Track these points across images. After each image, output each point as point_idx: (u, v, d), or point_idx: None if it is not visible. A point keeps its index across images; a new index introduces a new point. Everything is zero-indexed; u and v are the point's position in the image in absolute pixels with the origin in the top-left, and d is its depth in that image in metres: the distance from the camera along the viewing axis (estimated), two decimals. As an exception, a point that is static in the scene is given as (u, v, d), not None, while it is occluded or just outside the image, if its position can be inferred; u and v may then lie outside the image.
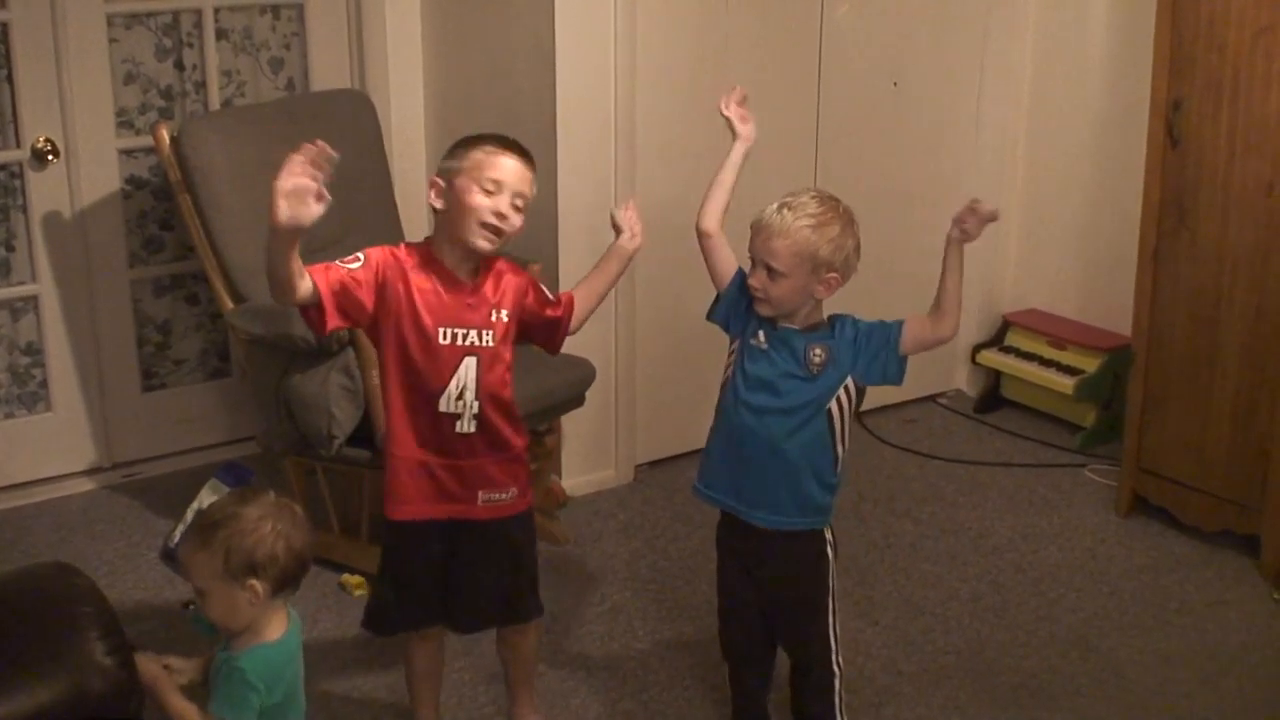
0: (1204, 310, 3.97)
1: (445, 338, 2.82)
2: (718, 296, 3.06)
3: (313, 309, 2.74)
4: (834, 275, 2.83)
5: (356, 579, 3.81)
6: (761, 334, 2.90)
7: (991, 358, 5.06)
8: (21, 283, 4.33)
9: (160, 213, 4.46)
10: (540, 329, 3.04)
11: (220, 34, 4.41)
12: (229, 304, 3.96)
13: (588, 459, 4.42)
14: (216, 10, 4.38)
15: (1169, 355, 4.09)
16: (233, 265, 3.95)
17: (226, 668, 2.47)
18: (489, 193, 2.79)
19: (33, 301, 4.35)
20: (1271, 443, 3.86)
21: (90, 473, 4.51)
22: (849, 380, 2.88)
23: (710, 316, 3.07)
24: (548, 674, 3.48)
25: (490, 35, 4.35)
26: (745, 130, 3.17)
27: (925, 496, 4.40)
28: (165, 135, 3.96)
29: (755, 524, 2.93)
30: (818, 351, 2.85)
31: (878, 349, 2.89)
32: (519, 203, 2.81)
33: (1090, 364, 4.78)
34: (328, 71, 4.55)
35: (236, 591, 2.43)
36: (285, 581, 2.49)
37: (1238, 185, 3.83)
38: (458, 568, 2.97)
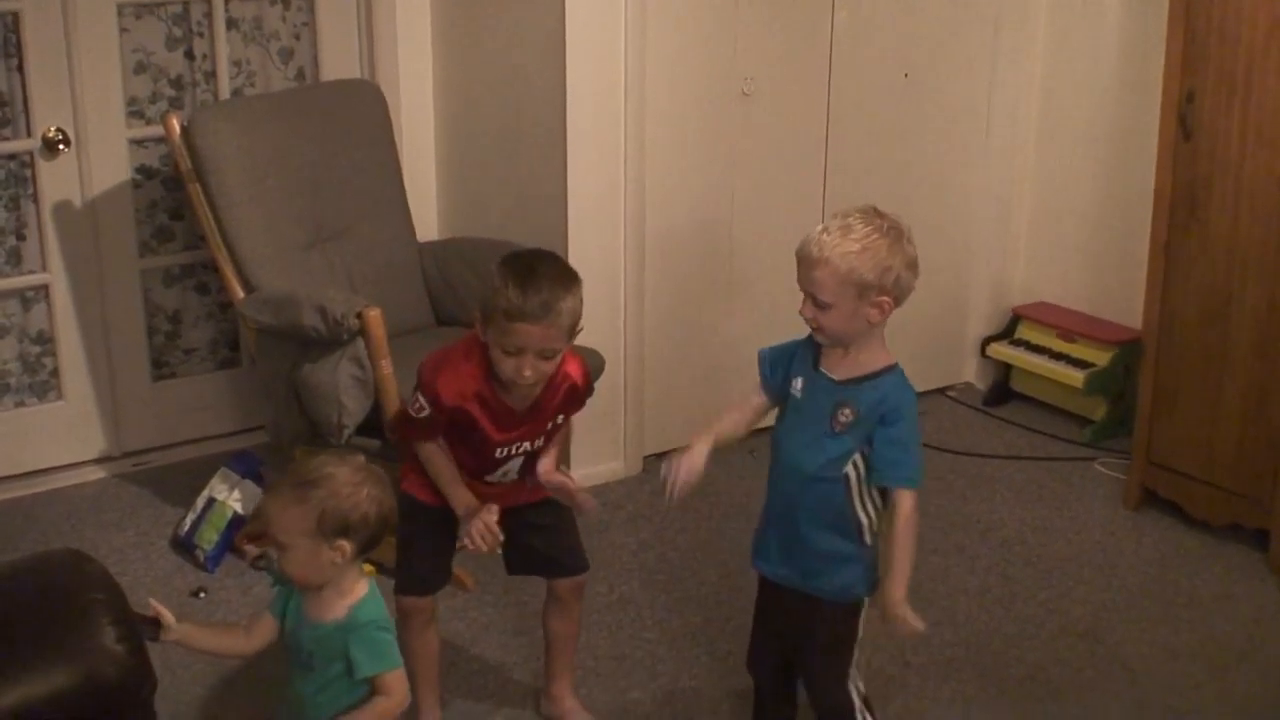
0: (1215, 304, 3.96)
1: (501, 452, 2.93)
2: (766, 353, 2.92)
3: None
4: (885, 299, 2.66)
5: (368, 566, 3.81)
6: (799, 380, 2.79)
7: (1001, 351, 5.06)
8: (32, 272, 4.33)
9: (170, 202, 4.47)
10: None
11: (230, 24, 4.41)
12: (239, 293, 3.97)
13: (596, 450, 4.42)
14: (227, 0, 4.38)
15: (1179, 349, 4.09)
16: (243, 254, 3.95)
17: (348, 632, 2.51)
18: (511, 355, 2.77)
19: (43, 291, 4.36)
20: (1281, 436, 3.87)
21: (101, 461, 4.52)
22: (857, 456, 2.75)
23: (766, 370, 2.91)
24: (557, 664, 3.49)
25: (500, 25, 4.35)
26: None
27: (933, 489, 4.39)
28: (175, 125, 3.97)
29: (784, 585, 2.87)
30: (846, 412, 2.72)
31: (878, 460, 2.73)
32: (547, 354, 2.78)
33: (1101, 357, 4.77)
34: (337, 61, 4.55)
35: (324, 550, 2.47)
36: (370, 544, 2.54)
37: (1249, 178, 3.82)
38: (528, 542, 3.09)
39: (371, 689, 2.53)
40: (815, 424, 2.75)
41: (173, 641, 2.56)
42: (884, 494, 2.76)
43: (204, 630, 2.66)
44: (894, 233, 2.67)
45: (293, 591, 2.60)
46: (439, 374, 2.87)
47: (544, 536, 3.11)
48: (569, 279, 2.82)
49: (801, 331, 2.81)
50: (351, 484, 2.48)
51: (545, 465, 2.99)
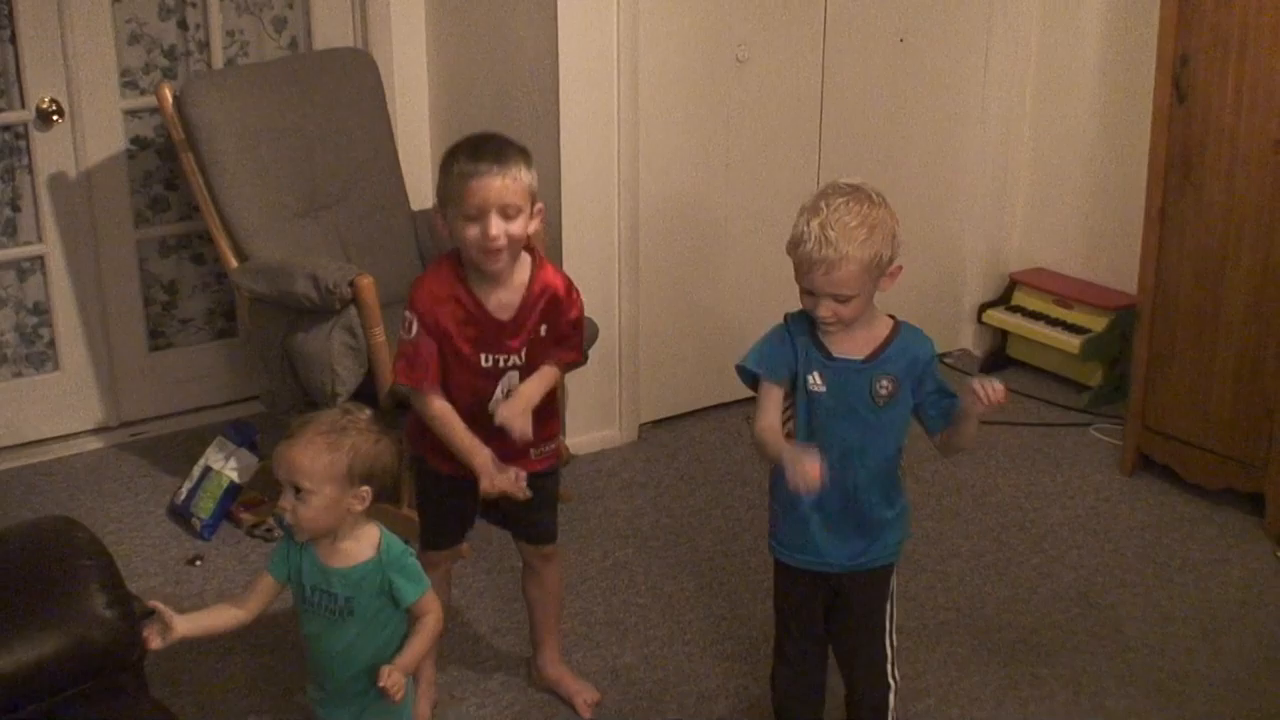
0: (1210, 268, 3.96)
1: (487, 361, 2.89)
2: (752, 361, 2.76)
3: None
4: (896, 265, 2.62)
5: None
6: (816, 374, 2.67)
7: (998, 317, 5.06)
8: (28, 243, 4.34)
9: (165, 172, 4.47)
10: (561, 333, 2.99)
11: (224, -8, 4.41)
12: (233, 262, 3.97)
13: (592, 417, 4.43)
14: (220, -31, 4.38)
15: (1175, 313, 4.08)
16: (236, 224, 3.96)
17: (385, 567, 2.59)
18: (474, 219, 2.76)
19: (39, 262, 4.37)
20: (1276, 401, 3.86)
21: (98, 431, 4.53)
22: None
23: (744, 378, 2.78)
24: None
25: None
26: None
27: (929, 455, 4.32)
28: (168, 94, 3.97)
29: (838, 570, 2.77)
30: (884, 384, 2.65)
31: (936, 400, 2.70)
32: (509, 212, 2.76)
33: (1097, 323, 4.77)
34: (331, 31, 4.54)
35: (347, 495, 2.54)
36: (382, 494, 2.61)
37: (1245, 142, 3.81)
38: (510, 509, 3.05)
39: (411, 615, 2.63)
40: (856, 408, 2.66)
41: (176, 641, 2.55)
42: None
43: (197, 621, 2.62)
44: (877, 198, 2.62)
45: (300, 550, 2.61)
46: (417, 287, 2.89)
47: (540, 508, 3.10)
48: (518, 145, 2.84)
49: (783, 305, 2.75)
50: (374, 433, 2.58)
51: (512, 405, 2.87)
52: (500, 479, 2.86)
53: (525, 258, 2.90)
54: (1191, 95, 3.90)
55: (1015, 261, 5.14)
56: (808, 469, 2.53)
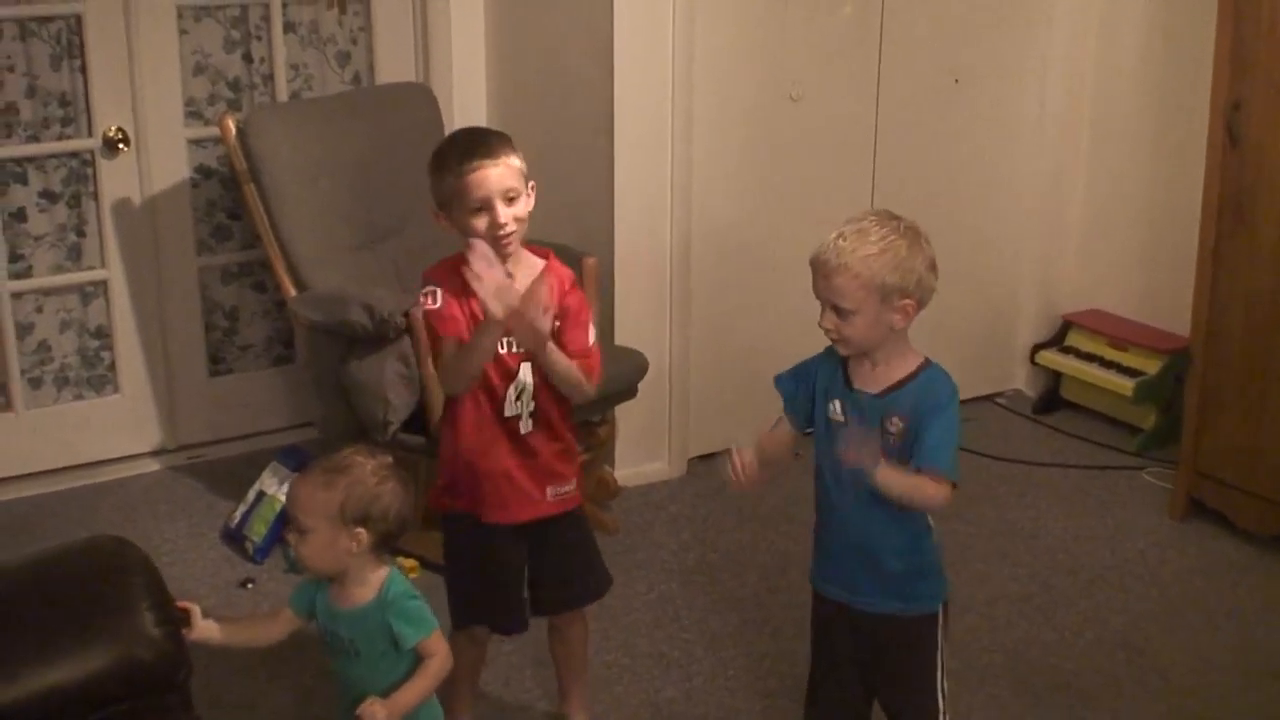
0: (1262, 312, 3.94)
1: (502, 346, 2.87)
2: (785, 385, 2.82)
3: None
4: (908, 301, 2.58)
5: (411, 562, 3.85)
6: (837, 403, 2.68)
7: (1051, 358, 5.04)
8: (92, 268, 4.43)
9: (228, 202, 4.55)
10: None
11: (288, 27, 4.49)
12: (291, 291, 4.04)
13: (640, 450, 4.46)
14: (284, 4, 4.46)
15: (1227, 357, 4.06)
16: (295, 254, 4.03)
17: (384, 609, 2.58)
18: (480, 210, 2.81)
19: (102, 286, 4.45)
20: (1328, 448, 3.84)
21: (155, 454, 4.61)
22: None
23: (785, 399, 2.82)
24: (592, 660, 3.50)
25: (551, 29, 4.40)
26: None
27: (979, 496, 4.39)
28: (231, 126, 4.05)
29: (864, 610, 2.75)
30: (895, 421, 2.61)
31: (927, 427, 2.62)
32: (510, 195, 2.82)
33: (1151, 365, 4.75)
34: (393, 65, 4.62)
35: (342, 536, 2.54)
36: (385, 540, 2.60)
37: (1297, 187, 3.80)
38: (537, 562, 3.06)
39: (416, 655, 2.62)
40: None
41: (195, 640, 2.60)
42: None
43: (222, 628, 2.67)
44: (911, 233, 2.60)
45: (318, 587, 2.65)
46: (433, 267, 2.92)
47: (575, 560, 3.09)
48: (499, 133, 2.92)
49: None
50: (377, 476, 2.58)
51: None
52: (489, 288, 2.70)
53: (536, 260, 2.94)
54: (1245, 139, 3.90)
55: (1069, 303, 5.12)
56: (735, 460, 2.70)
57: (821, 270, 2.61)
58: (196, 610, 2.61)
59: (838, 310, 2.60)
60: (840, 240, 2.58)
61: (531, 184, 2.90)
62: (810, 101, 4.49)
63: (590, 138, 4.25)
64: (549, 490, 2.99)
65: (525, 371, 2.90)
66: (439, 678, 2.64)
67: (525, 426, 2.93)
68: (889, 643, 2.78)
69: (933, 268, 2.62)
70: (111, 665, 2.46)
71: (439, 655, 2.63)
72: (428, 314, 2.91)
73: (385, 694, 2.59)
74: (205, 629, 2.62)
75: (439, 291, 2.87)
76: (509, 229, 2.83)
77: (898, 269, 2.56)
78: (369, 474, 2.57)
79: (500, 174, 2.82)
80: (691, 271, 4.39)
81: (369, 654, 2.62)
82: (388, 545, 2.62)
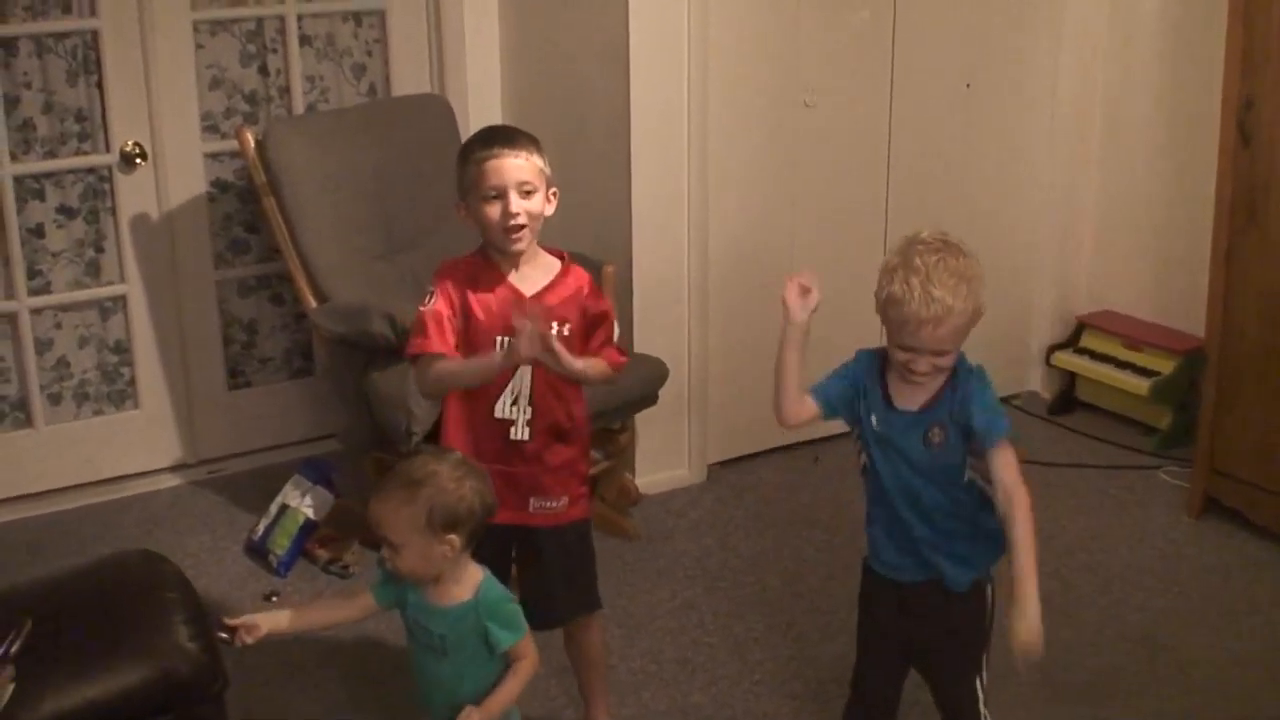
0: (1276, 310, 3.96)
1: (503, 345, 2.87)
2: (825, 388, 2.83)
3: None
4: (980, 316, 2.64)
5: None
6: (876, 416, 2.72)
7: (1066, 359, 5.06)
8: (110, 283, 4.45)
9: (245, 215, 4.57)
10: (590, 326, 3.00)
11: (303, 40, 4.51)
12: (312, 303, 4.06)
13: (661, 457, 4.48)
14: (300, 17, 4.48)
15: (1242, 355, 4.08)
16: (316, 265, 4.05)
17: (480, 611, 2.62)
18: (494, 199, 2.85)
19: (121, 301, 4.47)
20: (1345, 444, 3.86)
21: (176, 469, 4.62)
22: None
23: (823, 409, 2.83)
24: (619, 666, 3.54)
25: (566, 39, 4.43)
26: (799, 313, 2.86)
27: (996, 497, 4.40)
28: (250, 139, 4.08)
29: (938, 583, 2.77)
30: (936, 431, 2.67)
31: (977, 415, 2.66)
32: (526, 189, 2.85)
33: (1166, 365, 4.77)
34: (408, 77, 4.64)
35: (435, 545, 2.56)
36: (475, 536, 2.62)
37: (1310, 185, 3.83)
38: (520, 572, 3.07)
39: (506, 659, 2.65)
40: (910, 454, 2.69)
41: (264, 637, 2.61)
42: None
43: (292, 615, 2.70)
44: (965, 249, 2.63)
45: (407, 584, 2.67)
46: (442, 264, 2.96)
47: (557, 574, 3.07)
48: (528, 133, 2.95)
49: (852, 341, 2.79)
50: (455, 479, 2.58)
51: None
52: (527, 333, 2.75)
53: (553, 260, 2.96)
54: (1256, 138, 3.92)
55: (1083, 304, 5.15)
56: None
57: (927, 325, 2.57)
58: (250, 618, 2.61)
59: (938, 353, 2.61)
60: (930, 289, 2.56)
61: (554, 190, 2.93)
62: (824, 108, 4.51)
63: (607, 146, 4.28)
64: (532, 502, 2.98)
65: (522, 375, 2.90)
66: (527, 680, 2.68)
67: (519, 433, 2.93)
68: (942, 617, 2.80)
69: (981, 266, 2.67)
70: (148, 679, 2.50)
71: (529, 658, 2.67)
72: (416, 314, 2.93)
73: (470, 694, 2.62)
74: (271, 622, 2.62)
75: (434, 294, 2.91)
76: (519, 220, 2.85)
77: (980, 290, 2.61)
78: (446, 479, 2.57)
79: (518, 165, 2.86)
80: (709, 278, 4.42)
81: (458, 653, 2.64)
82: (479, 537, 2.63)
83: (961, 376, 2.69)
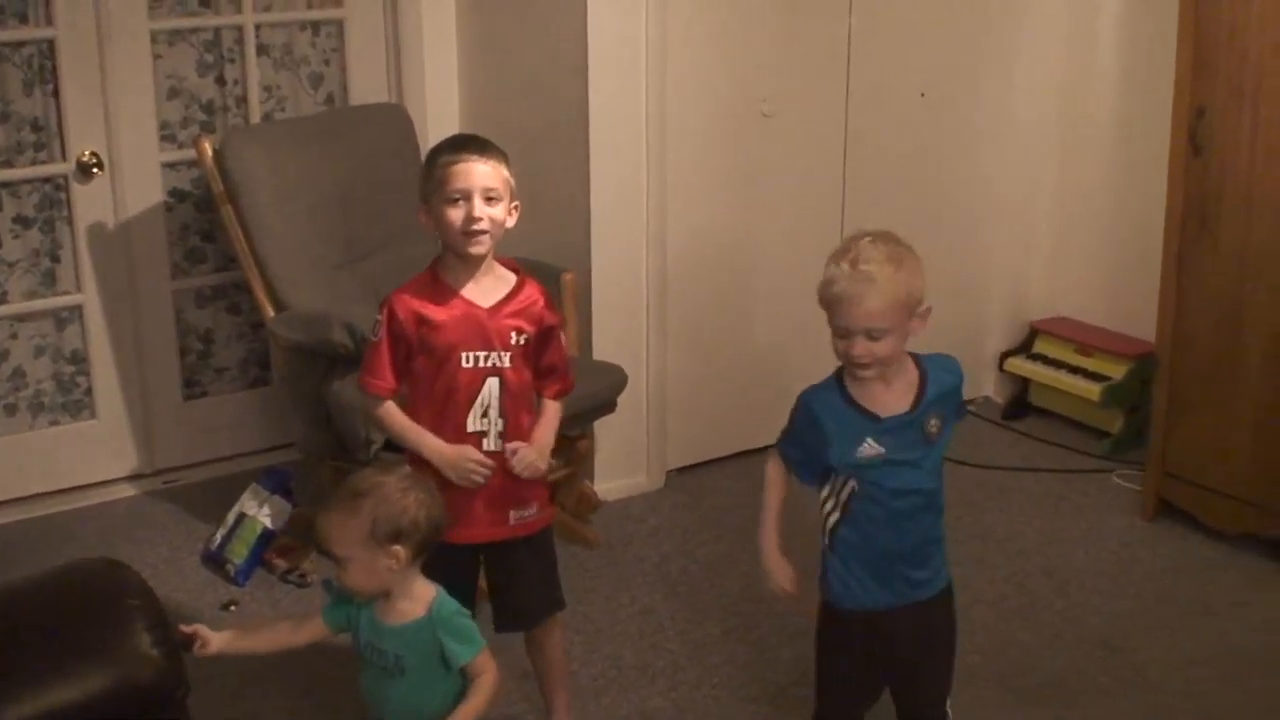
0: (1228, 315, 4.02)
1: (468, 361, 2.90)
2: (790, 453, 2.81)
3: None
4: (926, 307, 2.64)
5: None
6: (870, 441, 2.66)
7: (1019, 365, 5.11)
8: (66, 292, 4.43)
9: (202, 224, 4.56)
10: (538, 371, 3.03)
11: (261, 50, 4.51)
12: (270, 312, 4.06)
13: (619, 464, 4.49)
14: (258, 26, 4.48)
15: (1193, 360, 4.14)
16: (274, 274, 4.05)
17: (435, 626, 2.61)
18: (457, 203, 2.86)
19: (77, 311, 4.46)
20: (1295, 447, 3.91)
21: (133, 479, 4.60)
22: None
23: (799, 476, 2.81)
24: (579, 672, 3.55)
25: (524, 48, 4.44)
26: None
27: (953, 501, 4.32)
28: (208, 148, 4.07)
29: (917, 600, 2.78)
30: (933, 421, 2.69)
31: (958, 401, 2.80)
32: (491, 195, 2.87)
33: (1117, 370, 4.82)
34: (366, 86, 4.65)
35: (380, 558, 2.55)
36: (423, 548, 2.62)
37: (1259, 191, 3.87)
38: (494, 579, 3.08)
39: (465, 675, 2.64)
40: (913, 451, 2.69)
41: (213, 655, 2.63)
42: None
43: (243, 636, 2.73)
44: (900, 242, 2.66)
45: (358, 605, 2.66)
46: (395, 290, 2.97)
47: (531, 580, 3.09)
48: (498, 146, 2.96)
49: (808, 349, 2.80)
50: (399, 490, 2.59)
51: (528, 450, 2.97)
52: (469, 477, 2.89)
53: (508, 273, 2.98)
54: (1208, 146, 3.97)
55: (1036, 310, 5.20)
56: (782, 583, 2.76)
57: (851, 300, 2.58)
58: (203, 629, 2.63)
59: (871, 334, 2.60)
60: (860, 267, 2.58)
61: (516, 203, 2.94)
62: (781, 117, 4.54)
63: (565, 155, 4.29)
64: (512, 514, 3.00)
65: (490, 388, 2.92)
66: (490, 696, 2.66)
67: (492, 444, 2.95)
68: (928, 632, 2.83)
69: (922, 264, 2.69)
70: (111, 686, 2.47)
71: (489, 672, 2.65)
72: (366, 346, 2.98)
73: (431, 714, 2.61)
74: (222, 641, 2.64)
75: (382, 326, 2.93)
76: (482, 225, 2.86)
77: (914, 274, 2.62)
78: (392, 490, 2.58)
79: (485, 171, 2.87)
80: (668, 285, 4.44)
81: (416, 672, 2.62)
82: (426, 551, 2.63)
83: (933, 371, 2.71)
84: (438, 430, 2.93)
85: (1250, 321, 3.96)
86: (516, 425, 2.97)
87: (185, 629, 2.64)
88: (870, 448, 2.66)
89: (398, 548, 2.56)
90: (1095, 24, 4.90)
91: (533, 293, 2.99)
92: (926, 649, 2.86)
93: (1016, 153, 5.06)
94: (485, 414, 2.93)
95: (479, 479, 2.90)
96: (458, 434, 2.93)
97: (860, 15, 4.61)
